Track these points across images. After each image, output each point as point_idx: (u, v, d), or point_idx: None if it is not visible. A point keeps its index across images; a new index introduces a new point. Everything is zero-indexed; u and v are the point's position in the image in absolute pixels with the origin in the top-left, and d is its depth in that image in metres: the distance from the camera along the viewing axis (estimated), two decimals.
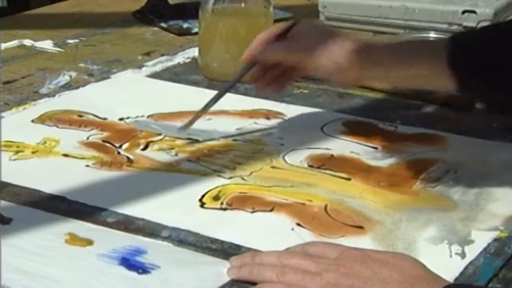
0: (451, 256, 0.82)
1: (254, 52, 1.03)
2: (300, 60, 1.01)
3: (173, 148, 1.04)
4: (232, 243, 0.83)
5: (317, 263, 0.75)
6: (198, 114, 1.06)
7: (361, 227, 0.87)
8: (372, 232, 0.86)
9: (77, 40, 1.46)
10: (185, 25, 1.52)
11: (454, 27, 1.44)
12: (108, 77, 1.28)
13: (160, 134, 1.08)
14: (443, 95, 1.19)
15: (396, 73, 0.98)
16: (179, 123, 1.10)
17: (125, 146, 1.04)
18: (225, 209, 0.90)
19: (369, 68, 0.99)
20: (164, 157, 1.02)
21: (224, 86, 1.07)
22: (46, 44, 1.43)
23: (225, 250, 0.82)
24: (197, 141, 1.06)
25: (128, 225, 0.86)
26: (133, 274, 0.77)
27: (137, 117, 1.13)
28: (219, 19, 1.26)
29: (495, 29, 1.05)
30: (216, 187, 0.94)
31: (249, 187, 0.94)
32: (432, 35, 1.36)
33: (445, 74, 0.92)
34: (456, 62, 0.92)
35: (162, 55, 1.38)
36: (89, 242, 0.82)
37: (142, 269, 0.78)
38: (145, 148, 1.04)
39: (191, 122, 1.06)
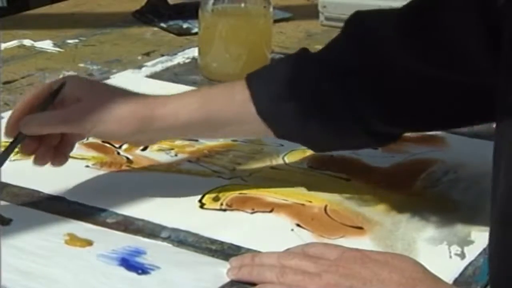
0: (450, 256, 0.82)
1: (16, 125, 0.88)
2: (80, 129, 0.88)
3: (172, 149, 1.04)
4: (231, 244, 0.83)
5: (317, 264, 0.75)
6: None
7: (360, 228, 0.87)
8: (372, 232, 0.86)
9: (77, 40, 1.46)
10: (185, 25, 1.52)
11: None
12: (108, 77, 1.28)
13: None
14: None
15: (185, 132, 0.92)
16: None
17: (124, 146, 1.04)
18: (224, 210, 0.90)
19: (164, 130, 0.89)
20: (164, 157, 1.02)
21: None
22: (46, 44, 1.43)
23: (224, 251, 0.82)
24: (196, 141, 1.06)
25: (128, 225, 0.86)
26: (133, 274, 0.77)
27: None
28: (219, 19, 1.26)
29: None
30: (216, 188, 0.94)
31: (248, 188, 0.94)
32: None
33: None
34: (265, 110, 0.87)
35: (162, 55, 1.38)
36: (89, 243, 0.82)
37: (141, 269, 0.78)
38: (144, 149, 1.04)
39: None
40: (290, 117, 0.87)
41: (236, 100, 0.89)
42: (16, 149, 0.93)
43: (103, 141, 1.05)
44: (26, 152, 0.90)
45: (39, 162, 0.90)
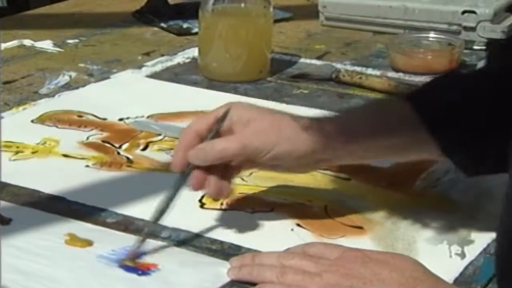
0: (451, 256, 0.82)
1: (185, 158, 0.83)
2: (258, 152, 0.82)
3: (173, 149, 1.04)
4: (232, 244, 0.83)
5: (317, 263, 0.75)
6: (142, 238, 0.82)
7: (361, 228, 0.87)
8: (372, 232, 0.86)
9: (77, 40, 1.46)
10: (185, 25, 1.52)
11: (454, 27, 1.44)
12: (108, 77, 1.28)
13: (160, 135, 1.08)
14: None
15: (369, 147, 0.86)
16: (179, 123, 1.10)
17: (124, 146, 1.04)
18: (225, 210, 0.90)
19: (337, 148, 0.85)
20: (164, 157, 1.02)
21: (160, 203, 0.83)
22: (46, 44, 1.43)
23: (225, 250, 0.82)
24: None
25: (128, 225, 0.86)
26: (133, 275, 0.77)
27: (137, 117, 1.13)
28: (219, 19, 1.26)
29: (457, 82, 0.90)
30: None
31: (248, 187, 0.94)
32: (432, 35, 1.36)
33: (426, 141, 0.83)
34: (437, 127, 0.83)
35: (162, 55, 1.38)
36: (89, 243, 0.82)
37: (141, 270, 0.78)
38: (145, 149, 1.04)
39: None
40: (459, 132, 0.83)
41: (406, 121, 0.84)
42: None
43: (103, 141, 1.05)
44: (196, 186, 0.83)
45: (213, 194, 0.84)
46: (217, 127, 0.84)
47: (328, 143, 0.84)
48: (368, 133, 0.84)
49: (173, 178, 0.96)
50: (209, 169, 0.83)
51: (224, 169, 0.84)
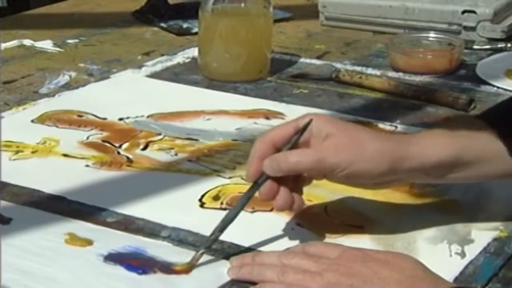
0: (451, 255, 0.82)
1: (259, 167, 0.82)
2: (334, 167, 0.81)
3: (172, 148, 1.04)
4: (232, 243, 0.83)
5: (318, 263, 0.75)
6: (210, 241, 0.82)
7: (361, 227, 0.87)
8: (372, 232, 0.86)
9: (76, 40, 1.46)
10: (185, 25, 1.52)
11: (454, 27, 1.44)
12: (108, 77, 1.28)
13: (159, 134, 1.08)
14: (443, 95, 1.19)
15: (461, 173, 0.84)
16: (178, 123, 1.10)
17: (124, 146, 1.04)
18: (225, 209, 0.89)
19: (414, 169, 0.83)
20: (164, 157, 1.02)
21: (233, 210, 0.83)
22: (46, 44, 1.43)
23: (225, 250, 0.82)
24: (196, 140, 1.06)
25: (128, 225, 0.86)
26: (133, 274, 0.77)
27: (136, 117, 1.13)
28: (219, 19, 1.26)
29: None
30: (216, 187, 0.94)
31: (248, 187, 0.94)
32: (432, 35, 1.36)
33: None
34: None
35: (162, 55, 1.38)
36: (89, 242, 0.82)
37: (142, 269, 0.78)
38: (144, 148, 1.04)
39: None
40: None
41: (481, 137, 0.84)
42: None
43: (103, 141, 1.05)
44: (267, 197, 0.82)
45: (282, 207, 0.83)
46: (296, 138, 0.82)
47: (406, 166, 0.82)
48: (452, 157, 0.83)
49: (173, 178, 0.97)
50: (280, 180, 0.82)
51: (295, 180, 0.83)
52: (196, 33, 1.40)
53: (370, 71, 1.30)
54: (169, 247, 0.82)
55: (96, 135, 1.07)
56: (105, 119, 1.12)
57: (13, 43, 1.43)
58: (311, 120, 0.82)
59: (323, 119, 0.84)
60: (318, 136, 0.82)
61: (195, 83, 1.26)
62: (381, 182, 0.84)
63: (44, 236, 0.83)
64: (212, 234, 0.80)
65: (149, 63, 1.34)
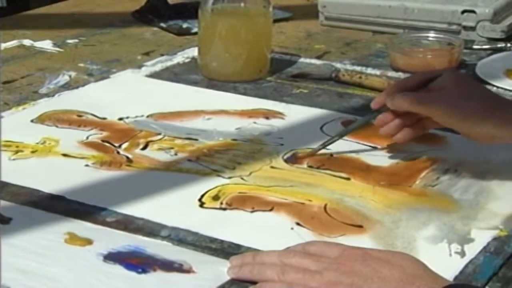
0: (450, 255, 0.82)
1: (383, 99, 0.98)
2: (430, 113, 0.95)
3: (172, 148, 1.04)
4: (231, 243, 0.83)
5: (318, 262, 0.75)
6: (316, 150, 1.01)
7: (360, 226, 0.87)
8: (372, 231, 0.86)
9: (76, 40, 1.46)
10: (185, 25, 1.52)
11: (454, 27, 1.44)
12: (108, 77, 1.28)
13: (159, 134, 1.08)
14: None
15: None
16: (178, 122, 1.10)
17: (124, 145, 1.04)
18: (224, 209, 0.90)
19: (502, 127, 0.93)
20: (164, 156, 1.02)
21: (347, 128, 1.03)
22: (46, 44, 1.43)
23: (224, 249, 0.82)
24: (196, 140, 1.06)
25: (128, 224, 0.86)
26: (132, 273, 0.77)
27: (136, 116, 1.13)
28: (219, 19, 1.26)
29: None
30: (216, 187, 0.94)
31: (248, 187, 0.94)
32: (432, 35, 1.36)
33: None
34: None
35: (162, 55, 1.38)
36: (89, 242, 0.82)
37: (141, 268, 0.78)
38: (144, 148, 1.04)
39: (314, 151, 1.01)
40: None
41: None
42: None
43: (103, 140, 1.05)
44: (379, 122, 0.98)
45: (386, 130, 0.98)
46: (422, 85, 0.96)
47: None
48: None
49: (173, 177, 0.97)
50: (399, 115, 0.97)
51: (418, 121, 0.97)
52: (196, 33, 1.40)
53: (370, 71, 1.30)
54: (168, 246, 0.82)
55: (95, 135, 1.07)
56: (104, 119, 1.12)
57: (13, 43, 1.43)
58: (440, 74, 0.96)
59: (452, 76, 0.96)
60: (437, 87, 0.95)
61: (195, 83, 1.26)
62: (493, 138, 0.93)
63: (44, 236, 0.83)
64: (333, 136, 1.00)
65: (149, 63, 1.34)
